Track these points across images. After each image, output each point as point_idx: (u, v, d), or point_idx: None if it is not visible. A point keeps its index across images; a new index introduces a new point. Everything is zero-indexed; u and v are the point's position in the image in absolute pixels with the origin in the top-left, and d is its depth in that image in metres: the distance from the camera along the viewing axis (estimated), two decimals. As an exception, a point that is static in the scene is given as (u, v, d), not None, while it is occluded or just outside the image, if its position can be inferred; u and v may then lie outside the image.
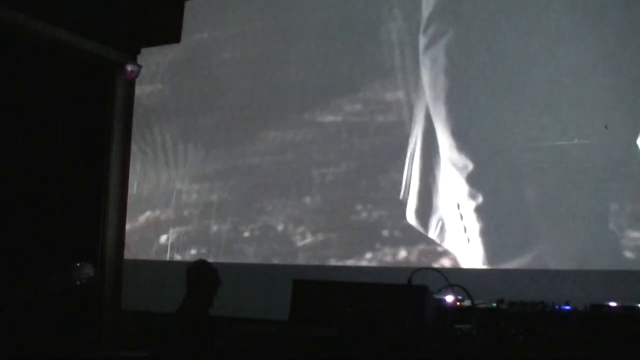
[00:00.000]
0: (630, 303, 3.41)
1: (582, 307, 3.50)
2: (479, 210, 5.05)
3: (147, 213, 5.91)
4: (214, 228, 5.75)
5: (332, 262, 5.41)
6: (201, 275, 4.18)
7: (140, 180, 5.87)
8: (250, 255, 5.67)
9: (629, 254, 4.62)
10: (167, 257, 5.75)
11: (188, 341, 3.98)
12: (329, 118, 5.59)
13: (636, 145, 4.60)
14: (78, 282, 3.62)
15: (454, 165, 5.15)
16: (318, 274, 5.04)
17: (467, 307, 3.59)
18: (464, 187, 5.09)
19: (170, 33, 5.66)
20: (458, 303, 3.63)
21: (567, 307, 3.51)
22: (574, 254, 4.76)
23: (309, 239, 5.49)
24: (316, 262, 5.44)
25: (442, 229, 5.13)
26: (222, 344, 3.76)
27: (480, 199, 5.02)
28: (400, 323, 3.45)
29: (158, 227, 5.86)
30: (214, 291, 4.18)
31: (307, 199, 5.54)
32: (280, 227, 5.63)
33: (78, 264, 3.64)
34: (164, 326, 4.12)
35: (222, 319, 4.14)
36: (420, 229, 5.19)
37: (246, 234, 5.71)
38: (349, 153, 5.50)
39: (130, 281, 5.27)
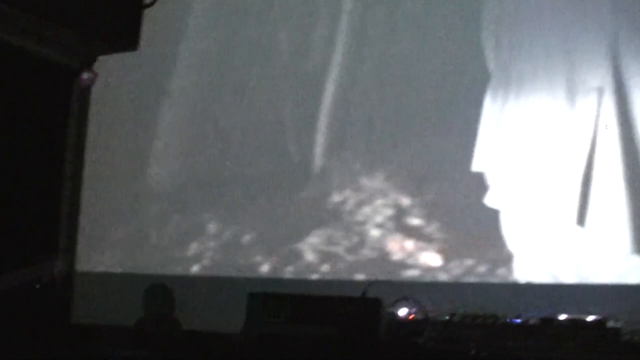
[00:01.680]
0: (579, 315, 3.47)
1: (533, 319, 3.55)
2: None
3: None
4: None
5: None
6: (157, 297, 4.39)
7: None
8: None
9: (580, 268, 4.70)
10: None
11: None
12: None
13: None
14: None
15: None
16: (274, 287, 5.02)
17: (421, 320, 3.60)
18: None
19: (127, 41, 5.59)
20: (412, 316, 3.64)
21: (518, 320, 3.55)
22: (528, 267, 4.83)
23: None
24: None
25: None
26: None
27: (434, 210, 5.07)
28: (355, 336, 3.44)
29: None
30: (169, 311, 4.37)
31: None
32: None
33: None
34: (120, 340, 4.14)
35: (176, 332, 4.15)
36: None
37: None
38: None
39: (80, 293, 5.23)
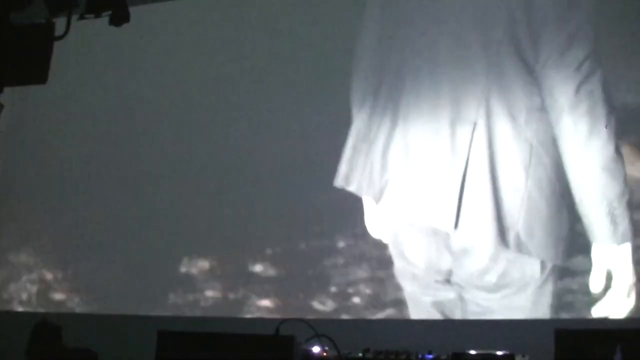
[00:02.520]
0: (489, 350, 3.55)
1: (444, 355, 3.60)
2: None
3: None
4: None
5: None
6: (42, 334, 4.18)
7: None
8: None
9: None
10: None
11: None
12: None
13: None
14: None
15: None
16: (185, 325, 4.92)
17: (334, 357, 3.60)
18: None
19: (36, 73, 5.43)
20: (325, 353, 3.62)
21: (430, 356, 3.61)
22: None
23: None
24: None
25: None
26: None
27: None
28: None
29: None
30: (55, 349, 4.16)
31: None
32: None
33: None
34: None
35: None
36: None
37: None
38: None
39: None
